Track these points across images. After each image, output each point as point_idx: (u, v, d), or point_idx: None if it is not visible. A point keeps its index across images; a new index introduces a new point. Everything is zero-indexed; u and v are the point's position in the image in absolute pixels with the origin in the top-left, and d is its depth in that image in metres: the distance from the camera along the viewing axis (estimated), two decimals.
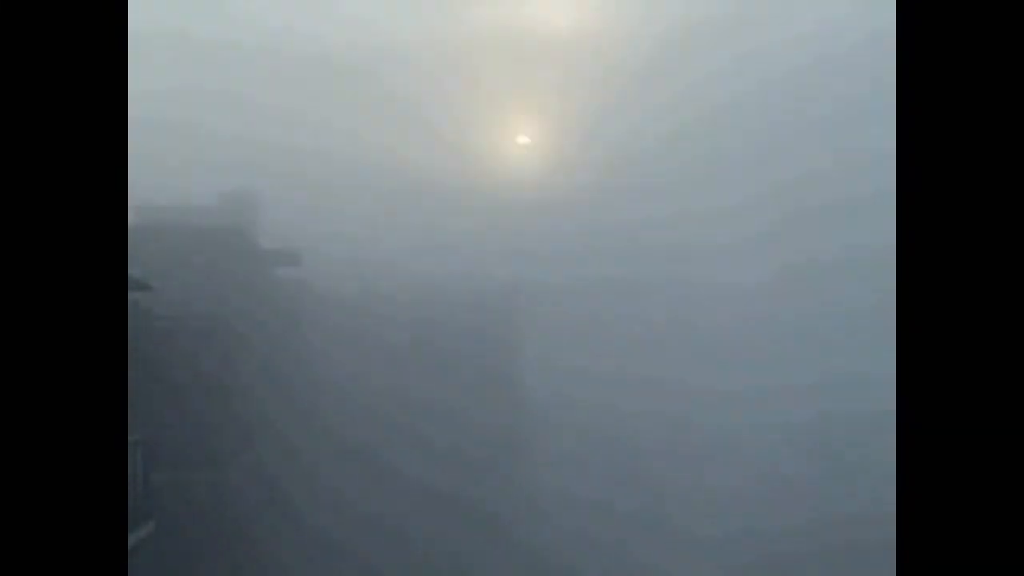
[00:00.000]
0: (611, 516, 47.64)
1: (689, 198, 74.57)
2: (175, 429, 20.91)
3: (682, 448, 56.79)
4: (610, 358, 58.17)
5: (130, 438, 15.91)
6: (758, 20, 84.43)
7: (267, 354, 28.03)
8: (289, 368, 30.26)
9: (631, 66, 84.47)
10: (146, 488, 17.44)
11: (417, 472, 35.33)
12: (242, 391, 23.96)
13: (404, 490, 35.13)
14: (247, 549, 23.33)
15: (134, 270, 16.96)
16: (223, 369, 22.44)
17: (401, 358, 37.69)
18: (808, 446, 58.00)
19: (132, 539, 16.29)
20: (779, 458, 57.37)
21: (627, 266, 68.37)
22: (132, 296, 17.52)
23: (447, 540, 35.25)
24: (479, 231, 62.42)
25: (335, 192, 64.67)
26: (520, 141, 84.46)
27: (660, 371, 58.85)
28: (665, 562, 46.26)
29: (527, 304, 45.65)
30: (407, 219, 65.03)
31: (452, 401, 37.46)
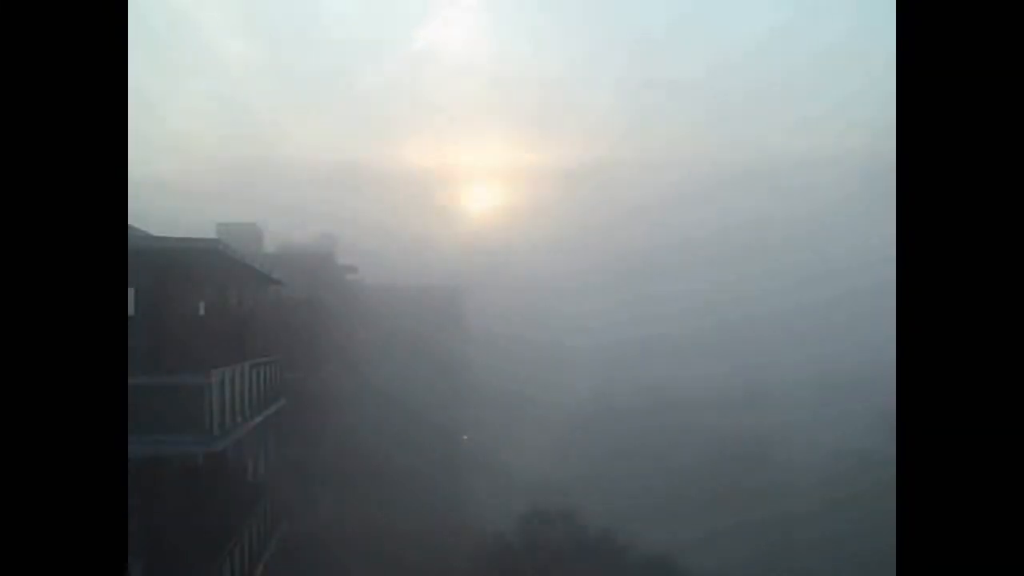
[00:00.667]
0: None
1: None
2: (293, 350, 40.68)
3: None
4: None
5: (274, 356, 33.88)
6: None
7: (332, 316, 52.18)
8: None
9: None
10: (282, 382, 34.85)
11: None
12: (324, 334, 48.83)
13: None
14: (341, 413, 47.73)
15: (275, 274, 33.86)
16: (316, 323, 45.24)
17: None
18: None
19: (271, 409, 31.81)
20: None
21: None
22: (274, 288, 38.23)
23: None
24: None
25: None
26: None
27: None
28: None
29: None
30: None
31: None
